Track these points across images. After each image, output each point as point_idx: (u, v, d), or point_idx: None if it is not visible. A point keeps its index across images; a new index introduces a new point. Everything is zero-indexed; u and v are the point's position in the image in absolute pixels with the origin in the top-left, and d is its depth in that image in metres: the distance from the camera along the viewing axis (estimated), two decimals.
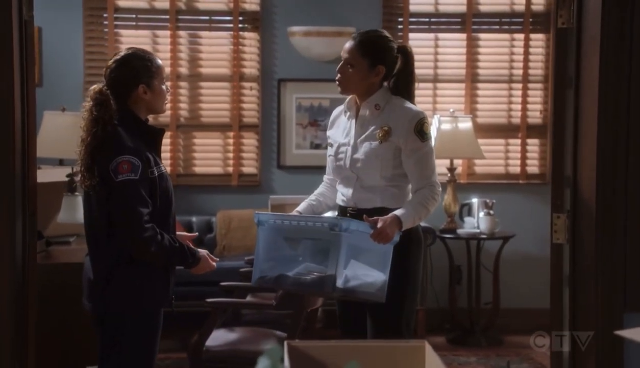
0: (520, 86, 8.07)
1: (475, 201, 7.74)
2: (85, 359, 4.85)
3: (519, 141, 8.10)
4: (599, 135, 3.86)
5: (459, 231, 7.60)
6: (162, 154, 4.08)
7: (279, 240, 4.15)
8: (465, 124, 7.64)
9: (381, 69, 4.21)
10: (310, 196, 4.49)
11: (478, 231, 7.58)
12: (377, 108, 4.24)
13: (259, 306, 5.60)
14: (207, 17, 7.98)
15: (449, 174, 7.56)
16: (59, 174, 5.81)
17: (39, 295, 4.37)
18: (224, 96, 7.97)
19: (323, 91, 7.88)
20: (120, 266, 3.86)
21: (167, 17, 7.86)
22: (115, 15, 7.82)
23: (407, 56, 4.29)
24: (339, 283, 3.91)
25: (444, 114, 7.68)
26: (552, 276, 4.19)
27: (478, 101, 8.08)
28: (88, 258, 3.98)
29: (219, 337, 5.17)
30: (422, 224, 4.31)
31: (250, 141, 8.00)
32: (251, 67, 7.95)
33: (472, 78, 8.04)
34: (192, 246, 4.05)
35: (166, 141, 3.91)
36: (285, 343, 2.45)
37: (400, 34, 7.87)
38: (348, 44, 4.25)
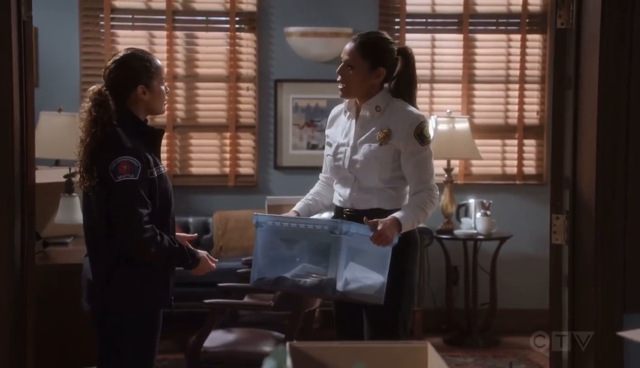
0: (517, 86, 8.07)
1: (472, 201, 7.74)
2: (83, 360, 4.83)
3: (515, 142, 8.10)
4: (598, 135, 3.85)
5: (456, 231, 7.60)
6: None
7: (276, 241, 4.15)
8: (462, 125, 7.64)
9: (382, 71, 4.21)
10: (307, 196, 4.48)
11: (475, 231, 7.58)
12: (378, 110, 4.23)
13: (256, 307, 5.59)
14: (203, 18, 7.96)
15: (446, 175, 7.55)
16: (55, 175, 5.79)
17: (37, 296, 4.36)
18: (220, 97, 7.96)
19: (320, 91, 7.88)
20: (119, 266, 3.86)
21: (164, 17, 7.85)
22: (111, 16, 7.81)
23: (407, 57, 4.29)
24: (339, 286, 3.91)
25: (440, 115, 7.68)
26: (551, 277, 4.19)
27: (475, 101, 8.08)
28: (87, 259, 3.97)
29: (216, 338, 5.16)
30: (419, 225, 4.30)
31: (246, 141, 7.99)
32: (248, 67, 7.94)
33: (468, 79, 8.04)
34: (192, 247, 4.05)
35: (163, 141, 3.90)
36: (288, 344, 2.44)
37: (397, 34, 7.86)
38: (348, 46, 4.24)
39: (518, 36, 8.05)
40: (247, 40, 7.94)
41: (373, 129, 4.22)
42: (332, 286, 3.91)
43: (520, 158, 8.10)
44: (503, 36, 8.11)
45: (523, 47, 8.04)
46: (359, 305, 4.22)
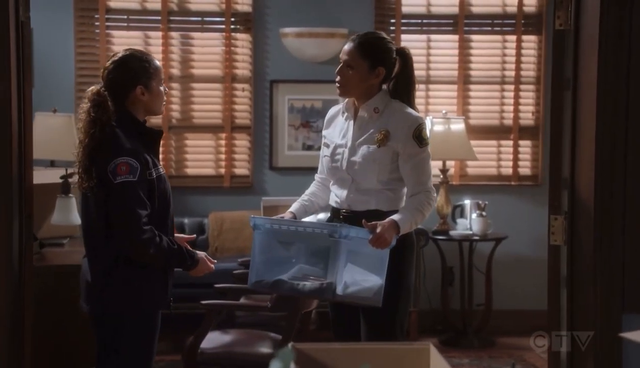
0: (512, 87, 8.08)
1: (467, 202, 7.74)
2: (81, 361, 4.82)
3: (511, 143, 8.11)
4: (597, 136, 3.84)
5: (452, 232, 7.60)
6: None
7: (274, 243, 4.14)
8: (458, 126, 7.65)
9: (381, 71, 4.20)
10: (302, 196, 4.47)
11: (471, 232, 7.58)
12: (376, 111, 4.23)
13: (254, 309, 5.59)
14: (199, 18, 7.95)
15: (441, 176, 7.56)
16: (51, 176, 5.77)
17: (34, 298, 4.34)
18: (216, 97, 7.95)
19: (315, 92, 7.88)
20: (118, 268, 3.85)
21: (159, 18, 7.84)
22: (106, 16, 7.79)
23: (405, 58, 4.29)
24: (339, 290, 3.92)
25: (436, 116, 7.68)
26: (549, 277, 4.17)
27: (470, 102, 8.08)
28: (85, 260, 3.97)
29: (213, 339, 5.16)
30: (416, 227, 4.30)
31: (242, 142, 7.98)
32: (243, 68, 7.93)
33: (464, 79, 8.05)
34: (190, 248, 4.04)
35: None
36: (290, 346, 2.44)
37: (392, 35, 7.86)
38: (347, 46, 4.23)
39: (513, 37, 8.06)
40: (243, 41, 7.93)
41: (371, 130, 4.21)
42: (331, 291, 3.91)
43: (516, 159, 8.11)
44: (498, 37, 8.12)
45: (518, 48, 8.05)
46: (356, 307, 4.22)
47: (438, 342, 7.47)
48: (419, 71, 7.81)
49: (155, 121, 7.35)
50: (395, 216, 4.07)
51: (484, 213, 7.54)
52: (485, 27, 8.12)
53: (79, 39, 7.79)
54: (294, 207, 4.39)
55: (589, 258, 3.93)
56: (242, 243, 7.50)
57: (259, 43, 7.91)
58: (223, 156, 7.95)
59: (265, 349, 5.08)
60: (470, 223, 7.64)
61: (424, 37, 8.06)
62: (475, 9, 8.06)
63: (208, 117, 7.96)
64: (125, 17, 7.86)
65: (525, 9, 8.04)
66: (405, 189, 4.26)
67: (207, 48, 7.96)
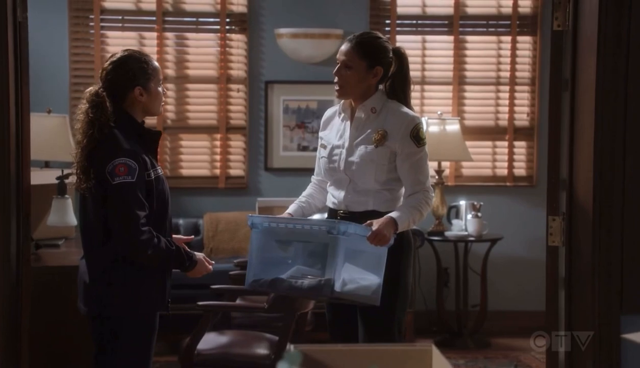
0: (507, 88, 8.08)
1: (462, 203, 7.74)
2: (78, 362, 4.80)
3: (506, 144, 8.12)
4: (595, 137, 3.84)
5: (447, 233, 7.60)
6: None
7: (272, 243, 4.13)
8: (453, 127, 7.65)
9: (379, 71, 4.20)
10: (300, 198, 4.46)
11: (466, 233, 7.58)
12: (374, 111, 4.22)
13: (250, 310, 5.58)
14: (194, 19, 7.95)
15: (436, 177, 7.55)
16: (46, 177, 5.75)
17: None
18: (211, 98, 7.94)
19: (310, 93, 7.87)
20: (116, 269, 3.84)
21: (154, 18, 7.83)
22: (101, 17, 7.78)
23: (401, 57, 4.29)
24: (337, 287, 3.90)
25: (431, 117, 7.68)
26: (547, 279, 4.17)
27: (465, 103, 8.08)
28: (83, 261, 3.96)
29: (210, 340, 5.14)
30: (414, 226, 4.29)
31: (237, 143, 7.97)
32: (238, 69, 7.92)
33: (459, 80, 8.05)
34: (188, 250, 4.03)
35: None
36: (292, 347, 2.43)
37: (387, 36, 7.84)
38: (344, 46, 4.22)
39: (508, 38, 8.06)
40: (238, 42, 7.93)
41: (368, 130, 4.21)
42: (330, 287, 3.89)
43: (511, 160, 8.11)
44: (493, 38, 8.12)
45: (513, 48, 8.05)
46: (353, 307, 4.21)
47: (433, 343, 7.44)
48: (414, 72, 7.79)
49: (150, 121, 7.33)
50: (393, 214, 4.06)
51: (479, 214, 7.54)
52: (480, 27, 8.12)
53: (73, 40, 7.77)
54: (291, 208, 4.38)
55: (587, 259, 3.93)
56: (237, 244, 7.50)
57: (254, 44, 7.90)
58: (218, 157, 7.94)
59: (261, 350, 5.07)
60: (465, 224, 7.64)
61: (419, 37, 8.06)
62: (470, 10, 8.06)
63: (203, 118, 7.95)
64: (120, 17, 7.85)
65: (520, 10, 8.04)
66: (402, 190, 4.25)
67: (202, 49, 7.95)
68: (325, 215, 4.44)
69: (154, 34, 7.83)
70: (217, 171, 7.95)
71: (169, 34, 7.89)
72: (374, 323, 4.20)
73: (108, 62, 3.96)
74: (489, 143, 8.13)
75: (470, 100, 8.10)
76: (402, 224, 4.06)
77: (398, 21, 7.98)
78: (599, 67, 3.83)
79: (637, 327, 3.77)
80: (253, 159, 7.95)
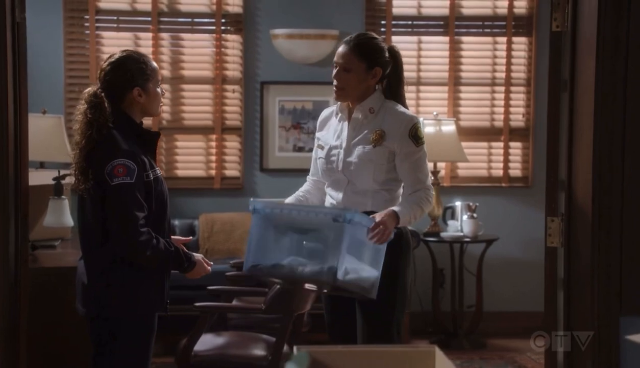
0: (502, 89, 8.08)
1: (458, 204, 7.75)
2: (74, 363, 4.79)
3: (501, 144, 8.11)
4: (595, 138, 3.84)
5: (443, 234, 7.60)
6: None
7: (272, 229, 4.07)
8: (449, 127, 7.65)
9: (378, 71, 4.20)
10: (298, 192, 4.45)
11: (461, 234, 7.58)
12: (372, 112, 4.22)
13: (248, 311, 5.57)
14: (189, 19, 7.93)
15: (432, 178, 7.55)
16: (41, 178, 5.74)
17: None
18: (206, 99, 7.93)
19: (306, 93, 7.87)
20: (115, 270, 3.83)
21: (149, 19, 7.81)
22: (96, 17, 7.76)
23: (395, 56, 4.29)
24: (339, 275, 3.85)
25: (427, 117, 7.67)
26: (546, 280, 4.17)
27: (461, 104, 8.08)
28: (81, 262, 3.94)
29: (206, 342, 5.13)
30: (415, 220, 4.27)
31: (232, 144, 7.96)
32: (234, 69, 7.91)
33: (455, 81, 8.05)
34: (187, 251, 4.02)
35: None
36: (295, 348, 2.42)
37: (383, 36, 7.85)
38: (342, 49, 4.21)
39: (504, 39, 8.06)
40: (233, 42, 7.91)
41: (366, 131, 4.21)
42: (332, 275, 3.84)
43: (506, 161, 8.11)
44: (489, 39, 8.12)
45: (509, 49, 8.05)
46: (352, 309, 4.22)
47: (429, 343, 7.44)
48: (409, 73, 7.88)
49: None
50: (394, 207, 4.07)
51: (474, 215, 7.54)
52: (476, 28, 8.12)
53: (68, 40, 7.75)
54: (289, 200, 4.37)
55: (586, 260, 3.93)
56: (232, 245, 7.49)
57: (249, 44, 7.89)
58: (213, 158, 7.93)
59: (258, 351, 5.06)
60: (461, 224, 7.65)
61: (414, 38, 8.06)
62: (465, 11, 8.06)
63: (198, 118, 7.94)
64: (115, 18, 7.83)
65: (516, 10, 8.05)
66: (401, 190, 4.25)
67: (198, 49, 7.94)
68: None
69: (149, 35, 7.82)
70: (213, 172, 7.93)
71: (164, 35, 7.88)
72: (373, 324, 4.19)
73: (106, 63, 3.95)
74: (485, 144, 8.13)
75: (465, 101, 8.10)
76: (403, 217, 4.05)
77: (393, 22, 7.98)
78: (598, 68, 3.83)
79: (637, 328, 3.77)
80: (248, 159, 7.94)
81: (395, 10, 7.97)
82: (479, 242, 7.58)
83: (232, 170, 7.96)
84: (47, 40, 7.63)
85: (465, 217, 7.58)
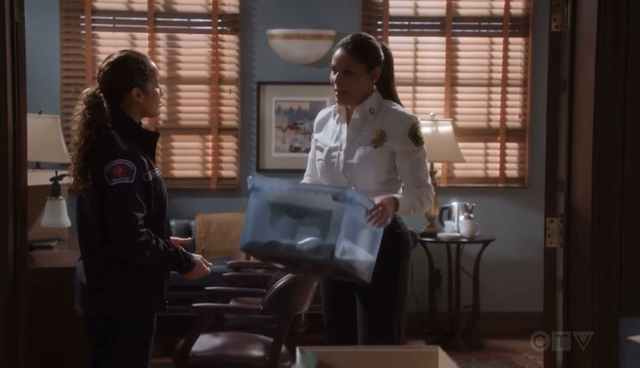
0: (499, 89, 8.08)
1: (455, 204, 7.74)
2: (72, 364, 4.78)
3: (498, 145, 8.11)
4: (594, 138, 3.84)
5: (439, 235, 7.59)
6: None
7: (270, 208, 4.04)
8: (445, 128, 7.65)
9: (377, 71, 4.20)
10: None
11: (458, 234, 7.58)
12: (372, 112, 4.22)
13: (246, 311, 5.56)
14: (185, 20, 7.92)
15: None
16: (37, 178, 5.73)
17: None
18: (202, 99, 7.92)
19: (303, 94, 7.86)
20: (114, 270, 3.82)
21: (145, 19, 7.80)
22: (92, 17, 7.75)
23: (388, 54, 4.29)
24: (337, 253, 3.81)
25: (423, 118, 7.66)
26: (545, 280, 4.17)
27: (458, 104, 8.08)
28: (80, 263, 3.93)
29: (204, 342, 5.12)
30: (414, 213, 4.25)
31: (229, 144, 7.95)
32: (230, 70, 7.90)
33: (451, 81, 8.05)
34: (186, 251, 4.01)
35: None
36: (298, 349, 2.41)
37: (379, 37, 7.83)
38: (340, 53, 4.19)
39: (500, 39, 8.06)
40: (230, 43, 7.90)
41: (366, 131, 4.20)
42: (330, 252, 3.80)
43: (503, 161, 8.11)
44: (485, 39, 8.11)
45: (505, 50, 8.05)
46: (352, 310, 4.23)
47: (425, 344, 7.45)
48: (406, 73, 7.88)
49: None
50: (394, 195, 4.06)
51: (471, 215, 7.54)
52: (472, 29, 8.11)
53: (64, 40, 7.74)
54: None
55: (585, 261, 3.92)
56: (229, 245, 7.48)
57: (246, 45, 7.88)
58: (210, 158, 7.92)
59: (256, 352, 5.05)
60: (457, 225, 7.64)
61: (411, 39, 8.05)
62: (462, 11, 8.06)
63: (195, 119, 7.93)
64: (111, 18, 7.82)
65: (512, 11, 8.05)
66: (401, 191, 4.24)
67: (194, 49, 7.92)
68: None
69: (146, 35, 7.80)
70: (209, 172, 7.92)
71: (161, 35, 7.86)
72: (375, 325, 4.19)
73: (105, 63, 3.94)
74: (481, 144, 8.13)
75: (462, 101, 8.09)
76: (402, 204, 4.04)
77: (390, 22, 7.97)
78: (598, 68, 3.83)
79: (637, 329, 3.77)
80: (245, 160, 7.93)
81: (392, 11, 7.97)
82: (475, 242, 7.57)
83: (229, 170, 7.95)
84: (43, 40, 7.61)
85: (461, 217, 7.58)
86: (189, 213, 7.75)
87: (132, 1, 7.82)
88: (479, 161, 8.12)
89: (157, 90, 4.00)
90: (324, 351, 2.53)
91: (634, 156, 3.85)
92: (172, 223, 7.53)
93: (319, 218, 3.90)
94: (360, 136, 4.21)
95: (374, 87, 4.26)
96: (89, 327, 3.94)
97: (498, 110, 8.09)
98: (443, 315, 7.69)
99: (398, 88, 4.42)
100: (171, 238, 4.04)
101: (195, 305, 5.09)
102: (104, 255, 3.82)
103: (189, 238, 4.40)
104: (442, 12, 8.01)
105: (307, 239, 3.90)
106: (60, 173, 5.34)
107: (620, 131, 3.84)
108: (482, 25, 8.12)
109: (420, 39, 8.07)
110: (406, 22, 8.06)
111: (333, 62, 4.23)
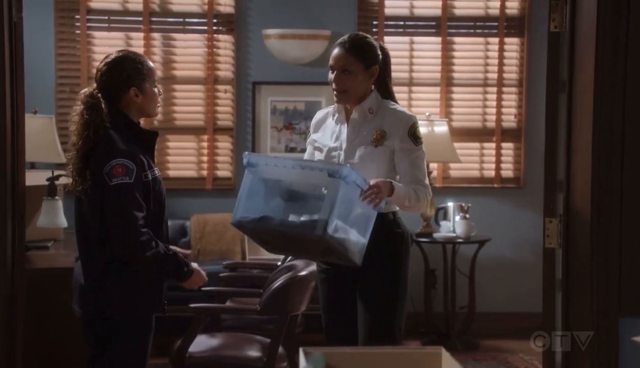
0: (495, 89, 8.08)
1: (450, 205, 7.74)
2: (69, 365, 4.76)
3: (493, 145, 8.11)
4: (594, 139, 3.84)
5: (435, 235, 7.59)
6: None
7: (264, 184, 4.03)
8: (441, 128, 7.64)
9: (375, 70, 4.20)
10: None
11: (454, 235, 7.58)
12: (371, 112, 4.21)
13: (243, 312, 5.55)
14: (181, 19, 7.90)
15: None
16: (33, 178, 5.70)
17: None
18: (198, 99, 7.90)
19: (298, 94, 7.85)
20: (113, 271, 3.81)
21: (141, 19, 7.78)
22: (87, 17, 7.72)
23: (385, 53, 4.29)
24: (330, 229, 3.78)
25: (419, 118, 7.61)
26: (544, 281, 4.16)
27: (453, 104, 8.08)
28: (78, 263, 3.92)
29: (201, 343, 5.12)
30: (408, 207, 4.22)
31: (224, 144, 7.93)
32: (225, 69, 7.88)
33: (447, 82, 8.04)
34: (184, 258, 4.00)
35: None
36: (301, 350, 2.41)
37: (375, 37, 7.78)
38: (338, 52, 4.19)
39: (496, 39, 8.06)
40: (225, 43, 7.89)
41: (366, 131, 4.20)
42: (322, 227, 3.76)
43: (498, 161, 8.11)
44: (481, 39, 8.11)
45: (501, 50, 8.05)
46: (351, 310, 4.23)
47: (421, 344, 7.45)
48: (402, 73, 7.88)
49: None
50: (392, 181, 4.05)
51: (467, 216, 7.53)
52: (468, 29, 8.11)
53: (59, 40, 7.71)
54: None
55: (585, 261, 3.92)
56: (224, 246, 7.46)
57: (241, 44, 7.87)
58: (205, 158, 7.90)
59: (253, 353, 5.04)
60: (453, 225, 7.64)
61: (406, 39, 8.05)
62: (457, 12, 8.06)
63: (190, 119, 7.91)
64: (107, 17, 7.79)
65: (508, 11, 8.05)
66: None
67: (189, 49, 7.91)
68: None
69: (141, 35, 7.78)
70: (204, 173, 7.91)
71: (156, 35, 7.84)
72: (376, 325, 4.19)
73: (103, 63, 3.93)
74: (477, 145, 8.13)
75: (458, 101, 8.09)
76: (398, 191, 4.02)
77: (386, 22, 7.97)
78: (597, 68, 3.82)
79: (636, 329, 3.77)
80: (240, 160, 7.85)
81: (388, 11, 7.96)
82: (471, 243, 7.57)
83: (224, 171, 7.94)
84: (38, 40, 7.58)
85: (457, 218, 7.58)
86: (184, 213, 7.73)
87: (127, 1, 7.80)
88: (474, 161, 8.12)
89: (155, 90, 4.00)
90: (328, 352, 2.52)
91: (634, 156, 3.84)
92: (169, 223, 7.52)
93: (313, 201, 3.88)
94: (360, 136, 4.20)
95: (373, 86, 4.26)
96: (87, 327, 3.92)
97: (493, 110, 8.09)
98: (439, 315, 7.68)
99: (394, 88, 4.41)
100: (171, 247, 4.00)
101: (192, 305, 5.09)
102: (103, 255, 3.80)
103: (190, 251, 4.37)
104: (437, 12, 8.01)
105: (301, 217, 3.88)
106: (56, 173, 5.32)
107: (619, 131, 3.84)
108: (478, 25, 8.12)
109: (416, 39, 8.06)
110: (402, 22, 8.05)
111: (331, 62, 4.22)
